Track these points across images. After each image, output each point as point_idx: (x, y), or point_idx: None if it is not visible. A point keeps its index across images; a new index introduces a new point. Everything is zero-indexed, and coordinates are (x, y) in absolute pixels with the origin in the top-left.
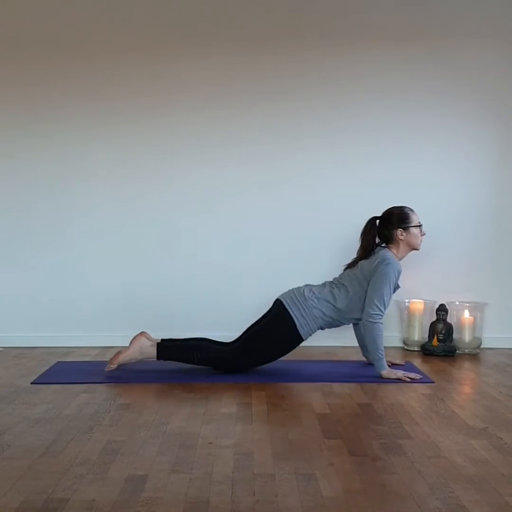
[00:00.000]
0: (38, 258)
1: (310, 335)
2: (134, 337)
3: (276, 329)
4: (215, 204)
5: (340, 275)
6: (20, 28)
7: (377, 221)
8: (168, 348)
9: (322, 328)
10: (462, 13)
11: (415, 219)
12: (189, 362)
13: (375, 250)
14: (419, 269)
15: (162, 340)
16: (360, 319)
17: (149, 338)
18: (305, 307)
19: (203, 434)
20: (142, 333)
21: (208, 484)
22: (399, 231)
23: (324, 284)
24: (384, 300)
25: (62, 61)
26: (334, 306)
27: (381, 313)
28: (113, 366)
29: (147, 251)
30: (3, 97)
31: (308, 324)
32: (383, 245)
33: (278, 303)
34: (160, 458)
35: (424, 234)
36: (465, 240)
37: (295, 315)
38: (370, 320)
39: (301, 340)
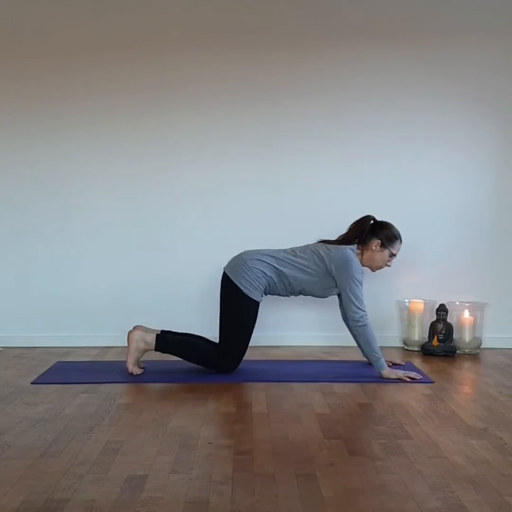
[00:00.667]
0: (38, 257)
1: (262, 295)
2: (129, 333)
3: (231, 306)
4: (215, 203)
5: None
6: (20, 25)
7: (372, 221)
8: (167, 341)
9: (265, 292)
10: (462, 11)
11: (396, 248)
12: (183, 357)
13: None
14: (419, 269)
15: (162, 331)
16: (298, 294)
17: (145, 330)
18: (246, 269)
19: (203, 434)
20: (135, 328)
21: (208, 484)
22: (377, 242)
23: (268, 249)
24: (361, 300)
25: (62, 58)
26: (275, 267)
27: (365, 313)
28: (135, 369)
29: (147, 251)
30: (1, 95)
31: (253, 284)
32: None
33: (223, 276)
34: (160, 458)
35: (388, 266)
36: (465, 240)
37: (238, 281)
38: (358, 324)
39: (256, 303)
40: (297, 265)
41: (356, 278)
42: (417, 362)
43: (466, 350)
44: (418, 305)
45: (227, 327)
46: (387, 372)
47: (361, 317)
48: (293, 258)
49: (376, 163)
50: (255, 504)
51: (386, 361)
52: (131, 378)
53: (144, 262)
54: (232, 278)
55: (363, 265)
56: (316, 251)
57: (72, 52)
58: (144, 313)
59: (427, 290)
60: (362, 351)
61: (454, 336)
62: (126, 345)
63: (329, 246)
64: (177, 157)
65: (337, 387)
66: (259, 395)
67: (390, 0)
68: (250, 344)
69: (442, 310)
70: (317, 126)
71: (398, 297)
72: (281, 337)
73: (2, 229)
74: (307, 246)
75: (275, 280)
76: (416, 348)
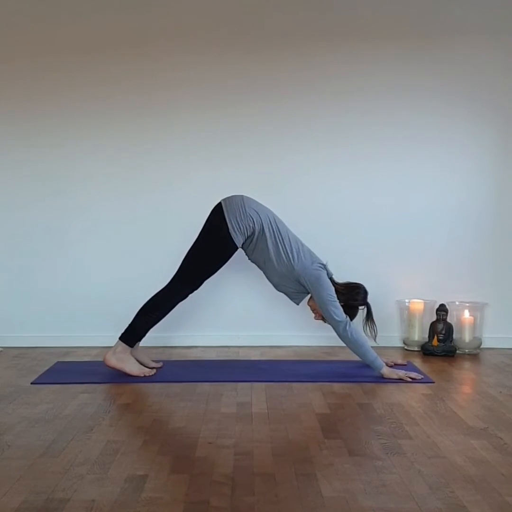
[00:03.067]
0: (38, 257)
1: (242, 243)
2: (105, 361)
3: (211, 237)
4: (215, 204)
5: (298, 242)
6: (18, 25)
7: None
8: (128, 330)
9: (244, 242)
10: (462, 11)
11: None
12: (154, 324)
13: (320, 266)
14: (419, 269)
15: (121, 335)
16: (259, 268)
17: (111, 351)
18: (242, 212)
19: (203, 434)
20: (105, 359)
21: (208, 484)
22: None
23: (272, 212)
24: (338, 308)
25: (61, 58)
26: (262, 227)
27: (344, 320)
28: (143, 370)
29: (147, 251)
30: (1, 94)
31: (240, 229)
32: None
33: (217, 207)
34: (160, 458)
35: (316, 315)
36: (465, 240)
37: (229, 218)
38: (344, 333)
39: (234, 246)
40: (280, 245)
41: (329, 294)
42: (417, 362)
43: (466, 350)
44: (418, 305)
45: (196, 255)
46: (388, 372)
47: (344, 326)
48: (283, 237)
49: (375, 163)
50: (255, 504)
51: (388, 361)
52: (131, 378)
53: (145, 262)
54: (225, 213)
55: (308, 303)
56: (304, 256)
57: (72, 52)
58: None
59: (427, 290)
60: (358, 356)
61: (454, 336)
62: (115, 369)
63: (316, 262)
64: (177, 157)
65: (337, 387)
66: (259, 395)
67: (390, 0)
68: (251, 344)
69: (442, 310)
70: (316, 126)
71: (398, 297)
72: (281, 337)
73: (2, 229)
74: (306, 248)
75: (254, 237)
76: (416, 348)
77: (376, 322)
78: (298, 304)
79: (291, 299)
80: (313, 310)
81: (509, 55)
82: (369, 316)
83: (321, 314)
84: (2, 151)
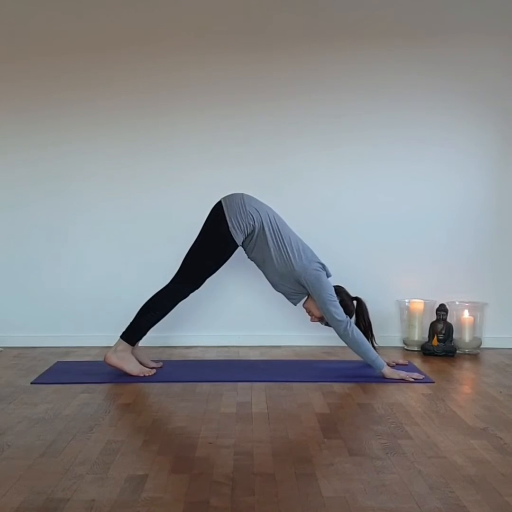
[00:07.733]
0: (38, 257)
1: (242, 240)
2: (106, 361)
3: (211, 236)
4: (214, 203)
5: (299, 241)
6: (19, 24)
7: (354, 301)
8: (131, 328)
9: (245, 239)
10: (462, 10)
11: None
12: (155, 323)
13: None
14: (419, 269)
15: (122, 334)
16: (258, 267)
17: (112, 349)
18: (242, 211)
19: (203, 434)
20: (106, 357)
21: (208, 484)
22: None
23: (273, 210)
24: (339, 308)
25: (62, 58)
26: (262, 226)
27: (345, 319)
28: (144, 370)
29: (147, 251)
30: (1, 94)
31: (240, 227)
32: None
33: (217, 205)
34: (160, 458)
35: (312, 316)
36: (465, 240)
37: (230, 217)
38: (345, 333)
39: (235, 244)
40: (280, 244)
41: (329, 288)
42: (417, 362)
43: (466, 350)
44: (418, 305)
45: (197, 253)
46: (390, 372)
47: (344, 326)
48: (283, 236)
49: (375, 163)
50: (255, 504)
51: (389, 361)
52: (131, 378)
53: (145, 262)
54: (225, 211)
55: (304, 306)
56: (305, 255)
57: (72, 52)
58: None
59: (427, 290)
60: (359, 355)
61: (454, 336)
62: (115, 368)
63: (316, 262)
64: (177, 157)
65: (337, 387)
66: (259, 395)
67: (391, 0)
68: (251, 344)
69: (442, 310)
70: (316, 126)
71: (398, 297)
72: (281, 337)
73: (2, 229)
74: (307, 248)
75: (254, 235)
76: (416, 348)
77: (372, 326)
78: (295, 305)
79: (289, 299)
80: (309, 312)
81: (509, 55)
82: (365, 318)
83: (317, 316)
84: (2, 151)
